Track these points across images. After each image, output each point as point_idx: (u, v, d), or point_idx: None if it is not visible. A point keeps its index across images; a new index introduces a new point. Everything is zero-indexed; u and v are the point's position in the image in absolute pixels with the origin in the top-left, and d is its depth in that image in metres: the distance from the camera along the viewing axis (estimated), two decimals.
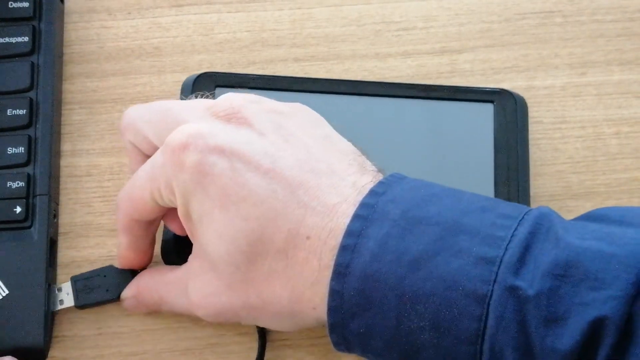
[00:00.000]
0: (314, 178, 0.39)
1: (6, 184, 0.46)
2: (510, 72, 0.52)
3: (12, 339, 0.43)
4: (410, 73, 0.52)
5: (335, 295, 0.37)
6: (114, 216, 0.47)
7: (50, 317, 0.45)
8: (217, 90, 0.48)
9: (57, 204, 0.48)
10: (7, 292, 0.44)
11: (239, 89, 0.48)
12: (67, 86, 0.51)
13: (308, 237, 0.38)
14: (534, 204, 0.48)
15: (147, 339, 0.46)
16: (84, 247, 0.47)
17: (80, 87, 0.51)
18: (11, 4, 0.50)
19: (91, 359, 0.45)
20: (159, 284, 0.44)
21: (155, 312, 0.45)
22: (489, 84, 0.52)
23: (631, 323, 0.34)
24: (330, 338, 0.39)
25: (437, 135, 0.48)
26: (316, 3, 0.54)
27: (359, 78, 0.52)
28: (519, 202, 0.47)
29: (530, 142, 0.49)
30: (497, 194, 0.47)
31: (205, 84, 0.49)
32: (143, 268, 0.46)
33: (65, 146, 0.50)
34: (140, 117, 0.43)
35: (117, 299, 0.45)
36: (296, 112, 0.42)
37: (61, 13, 0.52)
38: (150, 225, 0.44)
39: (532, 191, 0.48)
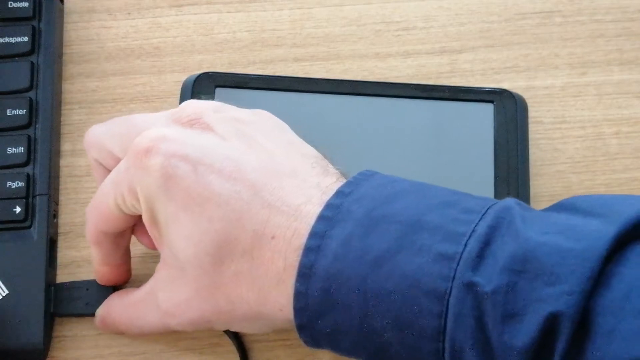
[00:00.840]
0: (277, 179, 0.39)
1: (6, 184, 0.46)
2: (510, 72, 0.52)
3: (12, 339, 0.43)
4: (410, 73, 0.52)
5: (300, 297, 0.37)
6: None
7: (50, 317, 0.45)
8: (217, 90, 0.48)
9: (57, 204, 0.48)
10: (7, 292, 0.44)
11: (239, 89, 0.49)
12: (67, 86, 0.51)
13: (273, 237, 0.38)
14: (534, 204, 0.48)
15: (147, 339, 0.45)
16: (83, 247, 0.47)
17: (80, 87, 0.51)
18: (11, 4, 0.50)
19: (91, 359, 0.45)
20: (125, 306, 0.44)
21: (126, 334, 0.45)
22: (489, 84, 0.52)
23: (587, 317, 0.33)
24: (300, 338, 0.39)
25: (437, 135, 0.48)
26: (316, 3, 0.54)
27: (359, 78, 0.52)
28: None
29: (530, 142, 0.49)
30: (497, 193, 0.47)
31: (205, 84, 0.49)
32: (125, 284, 0.45)
33: (65, 146, 0.50)
34: (103, 132, 0.43)
35: (94, 315, 0.45)
36: (259, 119, 0.42)
37: (61, 13, 0.52)
38: (119, 238, 0.43)
39: (532, 191, 0.48)
